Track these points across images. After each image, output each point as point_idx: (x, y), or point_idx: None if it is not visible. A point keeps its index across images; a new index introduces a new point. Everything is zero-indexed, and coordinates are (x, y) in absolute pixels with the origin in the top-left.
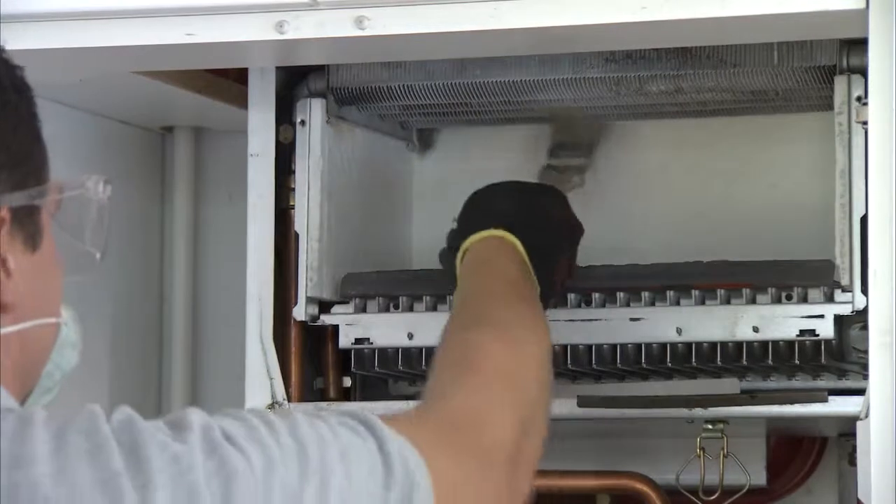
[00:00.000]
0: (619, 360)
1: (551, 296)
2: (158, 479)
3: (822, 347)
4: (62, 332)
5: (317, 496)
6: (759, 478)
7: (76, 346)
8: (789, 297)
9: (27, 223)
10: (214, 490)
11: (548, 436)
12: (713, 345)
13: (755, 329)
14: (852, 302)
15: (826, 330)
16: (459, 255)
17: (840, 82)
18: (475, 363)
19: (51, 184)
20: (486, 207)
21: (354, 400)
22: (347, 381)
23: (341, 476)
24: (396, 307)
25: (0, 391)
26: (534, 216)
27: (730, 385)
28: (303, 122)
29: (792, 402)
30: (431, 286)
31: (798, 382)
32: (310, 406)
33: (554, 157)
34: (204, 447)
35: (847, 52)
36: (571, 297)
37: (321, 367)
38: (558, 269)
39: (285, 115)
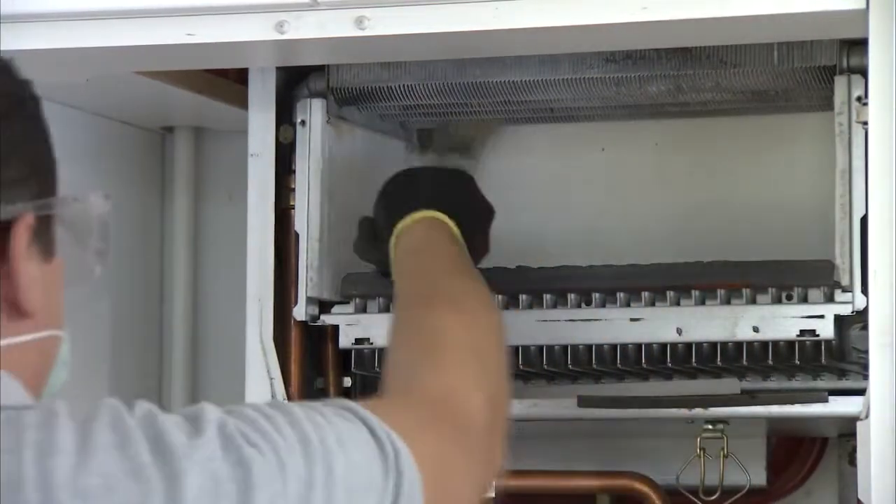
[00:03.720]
0: (619, 360)
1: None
2: (185, 466)
3: (822, 347)
4: (61, 349)
5: (325, 481)
6: (759, 478)
7: (66, 363)
8: (789, 297)
9: (44, 233)
10: (238, 479)
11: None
12: (713, 345)
13: (755, 329)
14: (852, 302)
15: (826, 330)
16: (393, 239)
17: (840, 82)
18: (436, 340)
19: (62, 196)
20: (409, 192)
21: (355, 400)
22: (347, 381)
23: (343, 461)
24: None
25: (19, 389)
26: (456, 198)
27: (730, 385)
28: (303, 123)
29: (792, 402)
30: None
31: (798, 382)
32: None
33: (442, 157)
34: (221, 441)
35: (847, 52)
36: (571, 296)
37: (321, 367)
38: (478, 248)
39: (285, 115)
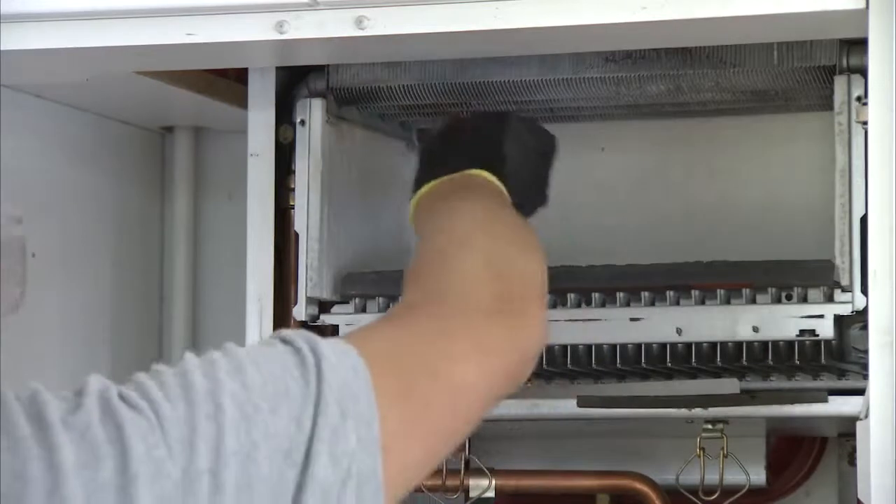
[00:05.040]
0: (619, 360)
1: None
2: (61, 438)
3: (822, 347)
4: None
5: (211, 417)
6: (759, 478)
7: None
8: (789, 297)
9: None
10: (113, 440)
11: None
12: (713, 345)
13: (755, 329)
14: (852, 302)
15: (826, 330)
16: (411, 208)
17: (840, 82)
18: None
19: None
20: (434, 153)
21: None
22: None
23: (236, 387)
24: None
25: None
26: (490, 146)
27: (730, 385)
28: (303, 122)
29: (792, 402)
30: None
31: (798, 382)
32: None
33: None
34: (100, 408)
35: (847, 52)
36: (571, 296)
37: None
38: (530, 197)
39: (285, 115)
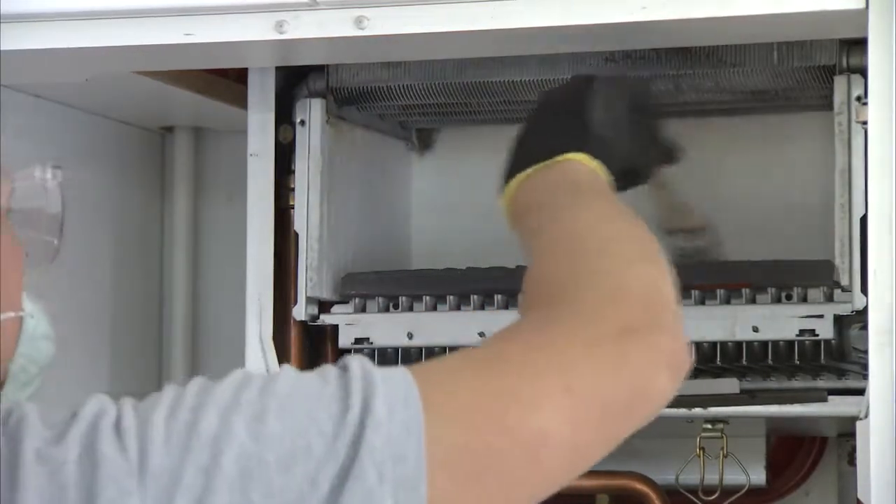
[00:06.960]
0: None
1: None
2: (29, 478)
3: (822, 347)
4: (28, 325)
5: (203, 470)
6: (759, 478)
7: (50, 337)
8: (789, 297)
9: None
10: (81, 484)
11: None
12: (713, 345)
13: (755, 329)
14: (852, 302)
15: (826, 330)
16: (503, 200)
17: (840, 82)
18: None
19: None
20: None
21: None
22: None
23: (247, 438)
24: (396, 307)
25: None
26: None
27: (730, 385)
28: (302, 122)
29: (792, 402)
30: (431, 286)
31: (798, 382)
32: None
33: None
34: (83, 441)
35: (847, 52)
36: None
37: None
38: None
39: (285, 115)
